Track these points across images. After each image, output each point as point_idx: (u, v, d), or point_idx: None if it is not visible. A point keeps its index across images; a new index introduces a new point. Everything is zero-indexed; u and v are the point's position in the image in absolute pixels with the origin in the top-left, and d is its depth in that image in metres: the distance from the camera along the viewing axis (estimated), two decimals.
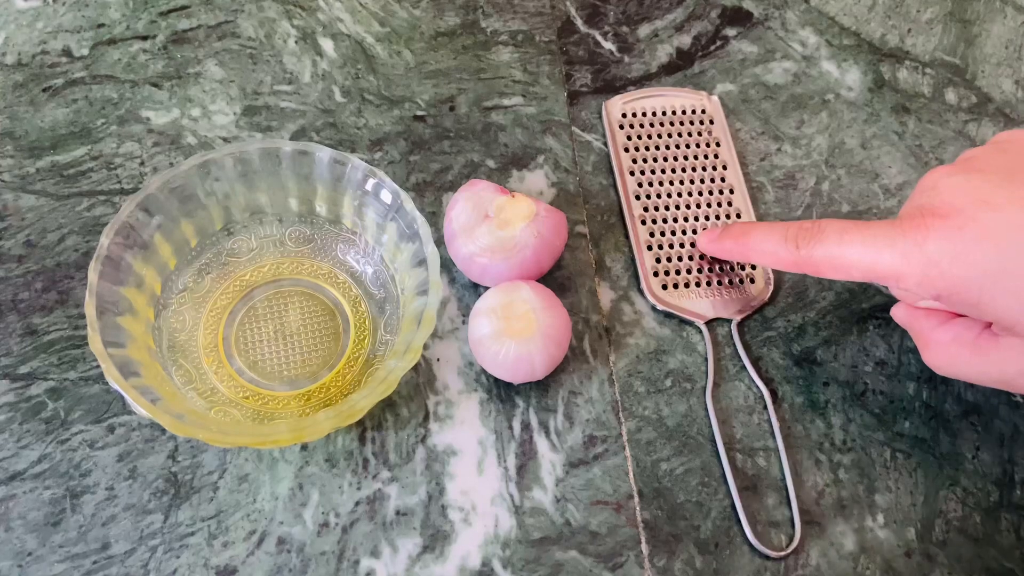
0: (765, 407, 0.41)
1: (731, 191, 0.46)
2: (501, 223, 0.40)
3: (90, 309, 0.34)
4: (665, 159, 0.47)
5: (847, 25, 0.54)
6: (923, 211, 0.32)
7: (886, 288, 0.44)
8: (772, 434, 0.40)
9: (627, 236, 0.45)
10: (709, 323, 0.43)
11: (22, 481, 0.37)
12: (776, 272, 0.44)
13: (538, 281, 0.41)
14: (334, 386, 0.39)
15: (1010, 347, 0.33)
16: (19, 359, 0.40)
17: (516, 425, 0.40)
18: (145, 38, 0.50)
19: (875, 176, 0.48)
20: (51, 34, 0.49)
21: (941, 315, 0.36)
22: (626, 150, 0.47)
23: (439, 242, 0.43)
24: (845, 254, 0.34)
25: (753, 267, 0.44)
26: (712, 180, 0.47)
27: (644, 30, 0.53)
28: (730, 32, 0.53)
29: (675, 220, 0.45)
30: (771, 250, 0.37)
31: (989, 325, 0.34)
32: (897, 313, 0.39)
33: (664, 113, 0.49)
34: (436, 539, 0.37)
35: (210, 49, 0.49)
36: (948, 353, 0.35)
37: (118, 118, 0.47)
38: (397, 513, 0.37)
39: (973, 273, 0.31)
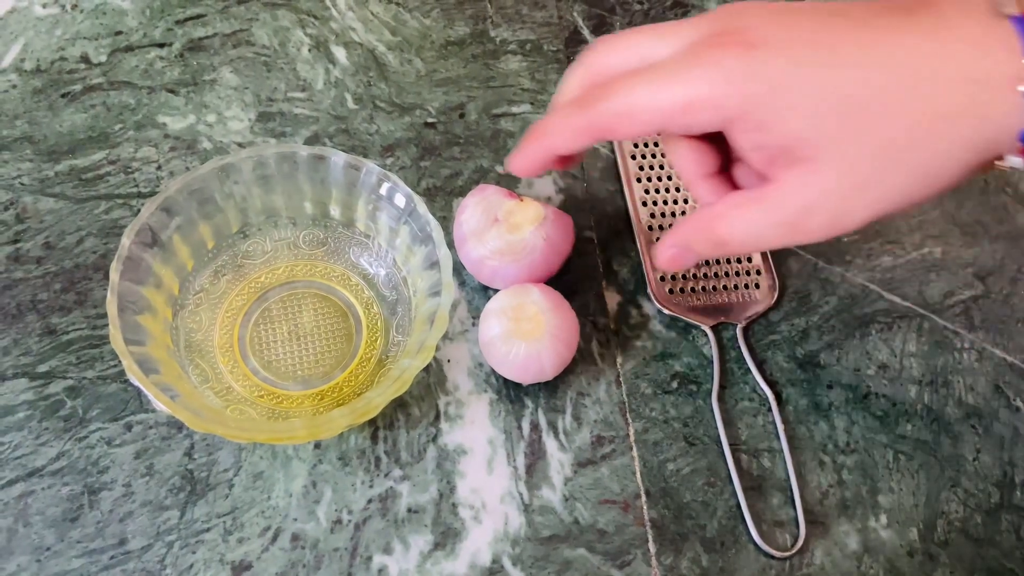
0: (770, 409, 0.42)
1: None
2: (510, 227, 0.41)
3: (111, 307, 0.34)
4: (672, 166, 0.48)
5: None
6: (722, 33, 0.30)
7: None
8: (777, 436, 0.41)
9: (634, 241, 0.46)
10: (715, 327, 0.43)
11: (41, 478, 0.38)
12: (781, 277, 0.45)
13: (546, 284, 0.41)
14: (347, 386, 0.40)
15: (793, 180, 0.30)
16: (38, 358, 0.40)
17: (525, 425, 0.40)
18: (162, 45, 0.51)
19: None
20: (69, 41, 0.50)
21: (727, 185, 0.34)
22: (633, 157, 0.48)
23: (449, 246, 0.43)
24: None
25: (759, 272, 0.45)
26: None
27: None
28: None
29: None
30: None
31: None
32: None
33: None
34: (447, 536, 0.38)
35: (225, 57, 0.50)
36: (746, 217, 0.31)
37: (135, 123, 0.47)
38: (409, 511, 0.38)
39: (762, 89, 0.29)
